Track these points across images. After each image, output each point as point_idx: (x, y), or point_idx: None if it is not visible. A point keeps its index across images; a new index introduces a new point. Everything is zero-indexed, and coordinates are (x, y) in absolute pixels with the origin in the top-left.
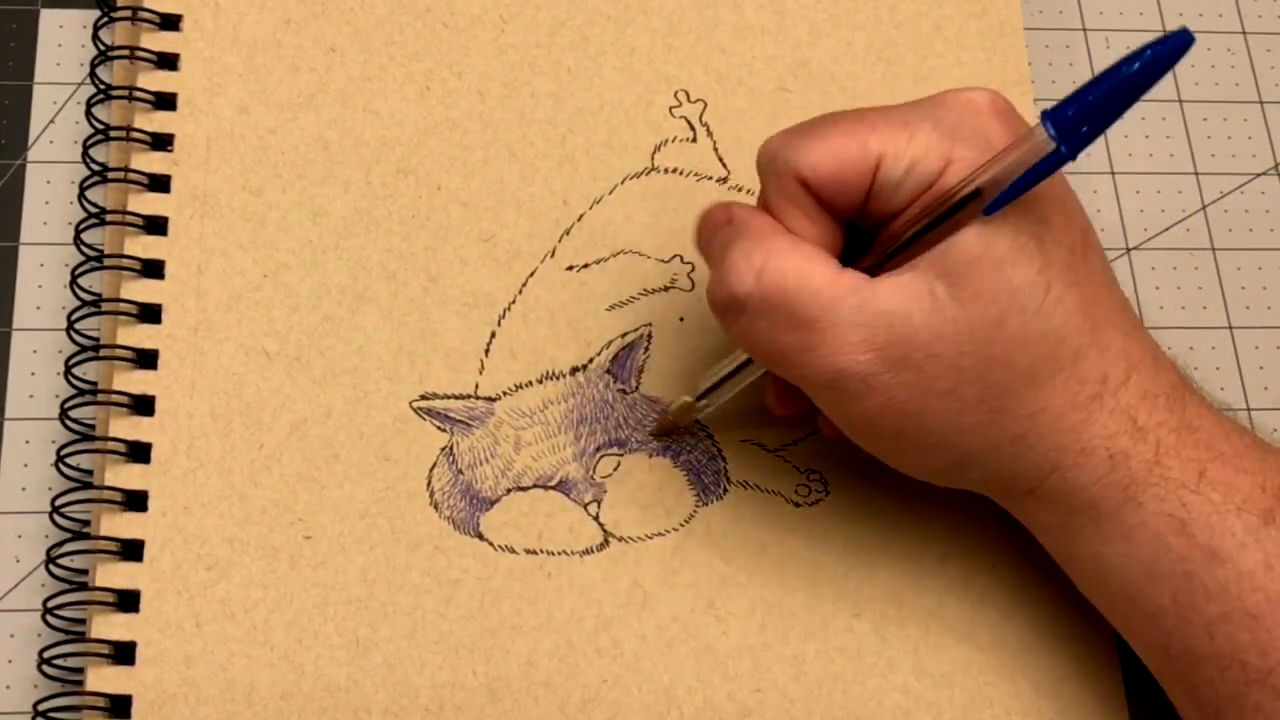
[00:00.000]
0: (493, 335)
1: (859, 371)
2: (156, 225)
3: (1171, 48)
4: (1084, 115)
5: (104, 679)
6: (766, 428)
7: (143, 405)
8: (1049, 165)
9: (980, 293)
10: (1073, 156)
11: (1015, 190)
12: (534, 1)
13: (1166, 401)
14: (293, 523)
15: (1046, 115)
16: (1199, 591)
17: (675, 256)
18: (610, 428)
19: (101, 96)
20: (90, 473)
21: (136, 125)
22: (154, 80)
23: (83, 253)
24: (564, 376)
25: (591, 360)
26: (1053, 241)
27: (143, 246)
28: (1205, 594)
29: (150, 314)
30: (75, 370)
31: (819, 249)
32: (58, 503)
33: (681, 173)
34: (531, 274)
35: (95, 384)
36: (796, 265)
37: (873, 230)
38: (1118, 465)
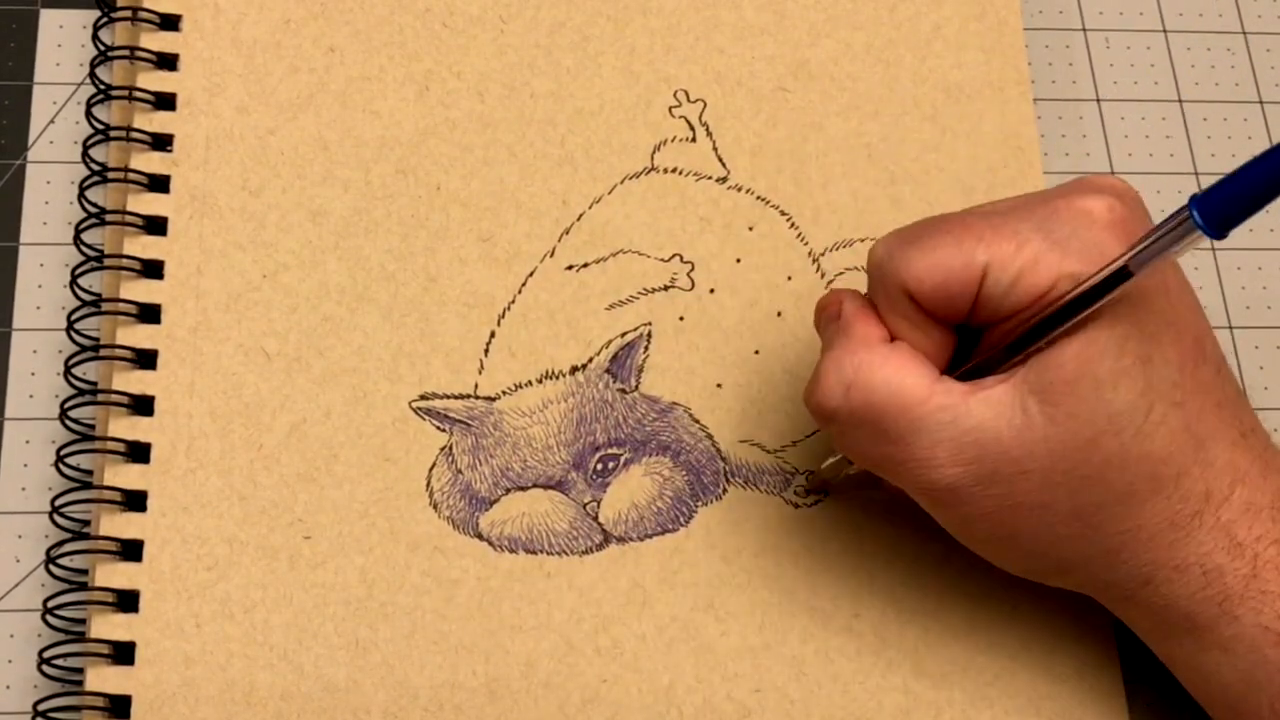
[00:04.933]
0: (492, 335)
1: (947, 485)
2: (156, 225)
3: None
4: (1232, 202)
5: (104, 679)
6: (767, 428)
7: (142, 405)
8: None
9: (1076, 414)
10: (1220, 237)
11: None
12: (534, 2)
13: (1270, 513)
14: (292, 523)
15: (1194, 203)
16: None
17: (675, 256)
18: (610, 427)
19: (101, 96)
20: (90, 473)
21: (136, 125)
22: (154, 80)
23: (83, 253)
24: (564, 376)
25: (591, 360)
26: (1161, 360)
27: (142, 246)
28: None
29: (150, 314)
30: (75, 370)
31: (915, 358)
32: (58, 503)
33: (681, 172)
34: (531, 274)
35: (95, 384)
36: (885, 380)
37: (986, 328)
38: (1212, 581)
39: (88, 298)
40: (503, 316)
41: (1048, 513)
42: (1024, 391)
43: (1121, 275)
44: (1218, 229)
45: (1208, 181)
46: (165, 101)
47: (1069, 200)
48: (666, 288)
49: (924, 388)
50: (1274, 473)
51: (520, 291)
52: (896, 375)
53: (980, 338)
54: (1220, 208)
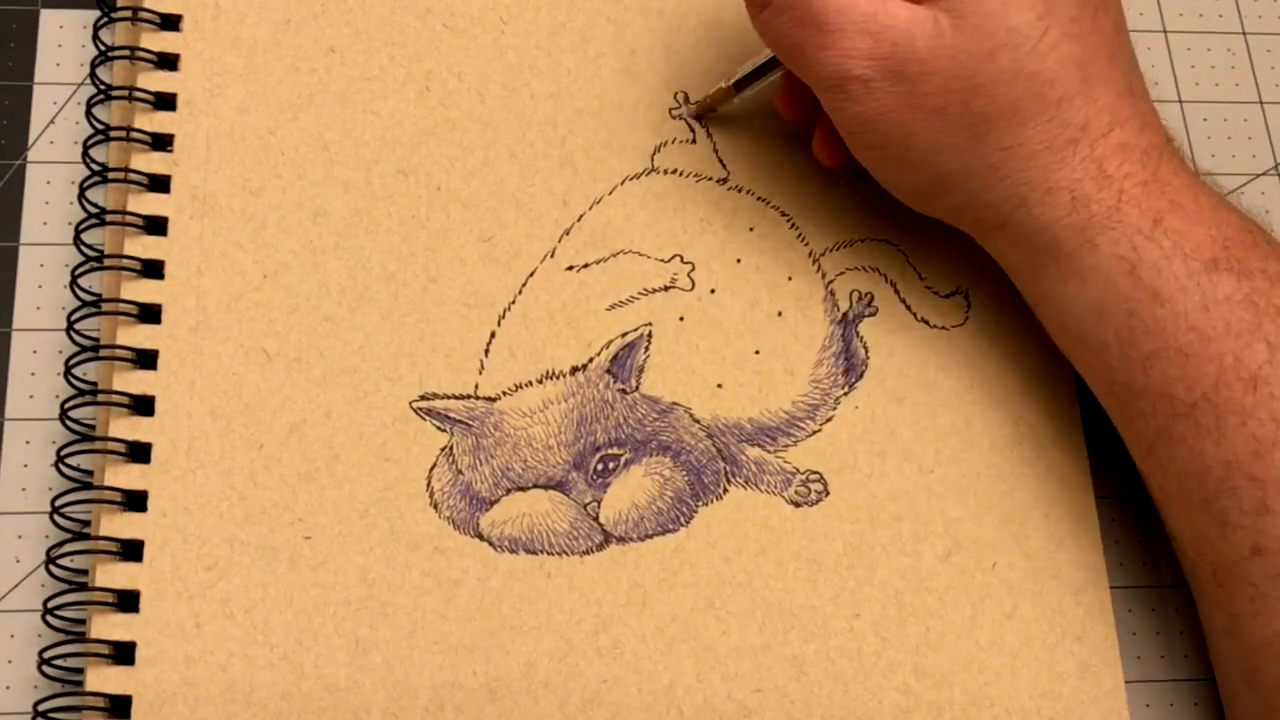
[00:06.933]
0: (493, 335)
1: (859, 75)
2: (156, 225)
3: None
4: None
5: (104, 679)
6: (767, 427)
7: (143, 405)
8: None
9: (980, 27)
10: None
11: None
12: (534, 3)
13: (1141, 157)
14: (293, 523)
15: None
16: (1139, 329)
17: (675, 256)
18: (610, 427)
19: (101, 97)
20: (90, 473)
21: (136, 125)
22: (154, 80)
23: (83, 253)
24: (564, 376)
25: (591, 360)
26: None
27: (143, 246)
28: (1145, 331)
29: (150, 314)
30: (75, 370)
31: None
32: (58, 503)
33: (681, 173)
34: (531, 274)
35: (95, 384)
36: None
37: None
38: (1079, 208)
39: (88, 298)
40: (503, 317)
41: (940, 118)
42: (938, 9)
43: None
44: None
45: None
46: (165, 101)
47: None
48: (667, 288)
49: None
50: (1150, 130)
51: (520, 292)
52: None
53: None
54: None
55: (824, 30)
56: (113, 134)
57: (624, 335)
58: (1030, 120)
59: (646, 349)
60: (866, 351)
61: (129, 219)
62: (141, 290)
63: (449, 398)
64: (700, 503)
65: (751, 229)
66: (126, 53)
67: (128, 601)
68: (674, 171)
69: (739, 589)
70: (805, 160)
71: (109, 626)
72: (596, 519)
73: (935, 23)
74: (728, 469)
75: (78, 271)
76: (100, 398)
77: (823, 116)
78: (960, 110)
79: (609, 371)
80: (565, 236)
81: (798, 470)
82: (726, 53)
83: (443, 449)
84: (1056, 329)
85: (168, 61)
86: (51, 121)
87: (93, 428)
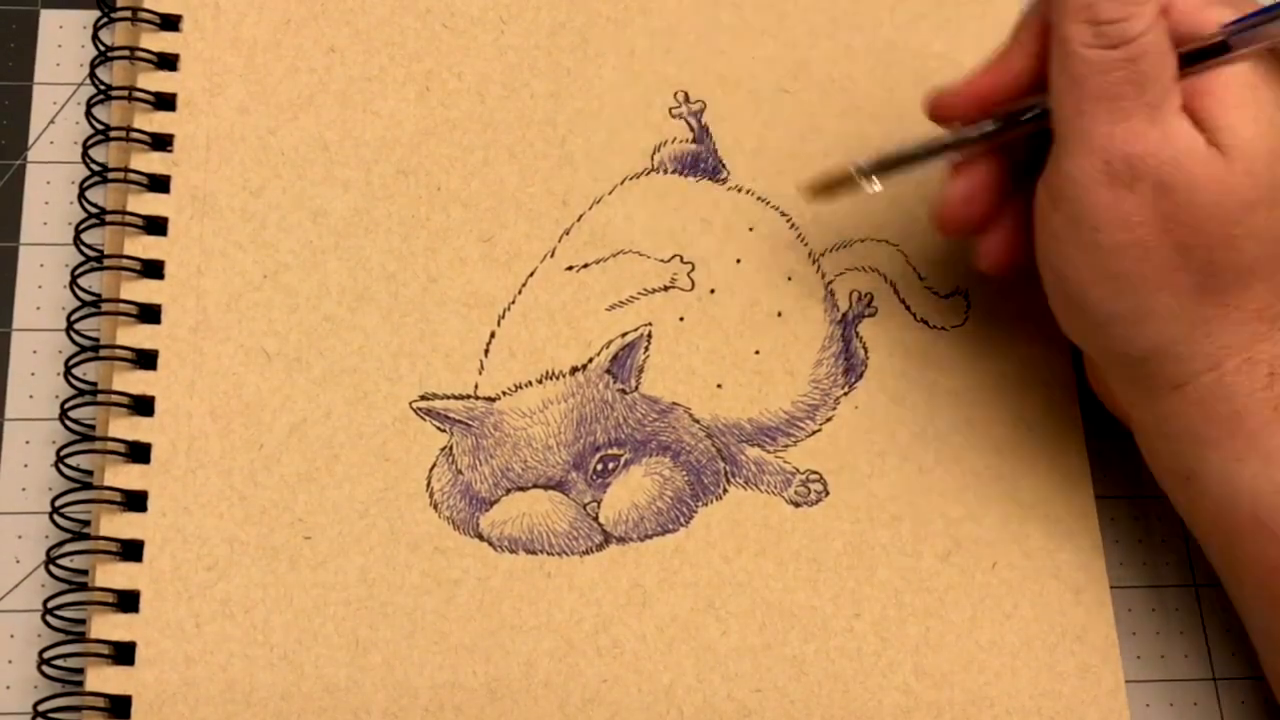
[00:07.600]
0: (492, 335)
1: (1137, 167)
2: (156, 225)
3: None
4: None
5: (104, 679)
6: (767, 427)
7: (142, 405)
8: None
9: (1248, 172)
10: None
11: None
12: (534, 3)
13: None
14: (293, 523)
15: None
16: None
17: (675, 256)
18: (610, 428)
19: (101, 97)
20: (90, 473)
21: (136, 125)
22: (154, 80)
23: (83, 253)
24: (564, 376)
25: (591, 360)
26: None
27: (143, 247)
28: None
29: (150, 314)
30: (75, 370)
31: None
32: (58, 503)
33: (681, 173)
34: (531, 274)
35: (95, 384)
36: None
37: None
38: (1275, 383)
39: (88, 298)
40: (503, 317)
41: (1180, 254)
42: (1208, 140)
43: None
44: None
45: None
46: (165, 101)
47: None
48: (667, 288)
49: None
50: None
51: (520, 292)
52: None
53: None
54: None
55: (1136, 99)
56: (113, 134)
57: (624, 335)
58: (1257, 284)
59: (646, 349)
60: (866, 351)
61: (129, 219)
62: (141, 290)
63: (449, 398)
64: (700, 503)
65: (751, 229)
66: (126, 53)
67: (128, 601)
68: (674, 171)
69: (739, 589)
70: (805, 160)
71: (109, 626)
72: (596, 519)
73: (1209, 152)
74: (727, 469)
75: (78, 271)
76: (100, 398)
77: (1012, 219)
78: (1204, 254)
79: (609, 371)
80: (565, 236)
81: (797, 470)
82: (727, 52)
83: (443, 449)
84: (1213, 508)
85: (168, 61)
86: (51, 121)
87: (93, 428)
